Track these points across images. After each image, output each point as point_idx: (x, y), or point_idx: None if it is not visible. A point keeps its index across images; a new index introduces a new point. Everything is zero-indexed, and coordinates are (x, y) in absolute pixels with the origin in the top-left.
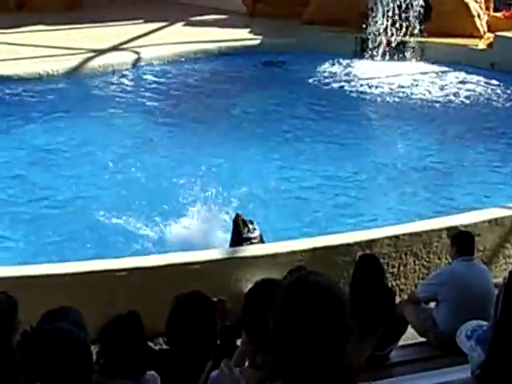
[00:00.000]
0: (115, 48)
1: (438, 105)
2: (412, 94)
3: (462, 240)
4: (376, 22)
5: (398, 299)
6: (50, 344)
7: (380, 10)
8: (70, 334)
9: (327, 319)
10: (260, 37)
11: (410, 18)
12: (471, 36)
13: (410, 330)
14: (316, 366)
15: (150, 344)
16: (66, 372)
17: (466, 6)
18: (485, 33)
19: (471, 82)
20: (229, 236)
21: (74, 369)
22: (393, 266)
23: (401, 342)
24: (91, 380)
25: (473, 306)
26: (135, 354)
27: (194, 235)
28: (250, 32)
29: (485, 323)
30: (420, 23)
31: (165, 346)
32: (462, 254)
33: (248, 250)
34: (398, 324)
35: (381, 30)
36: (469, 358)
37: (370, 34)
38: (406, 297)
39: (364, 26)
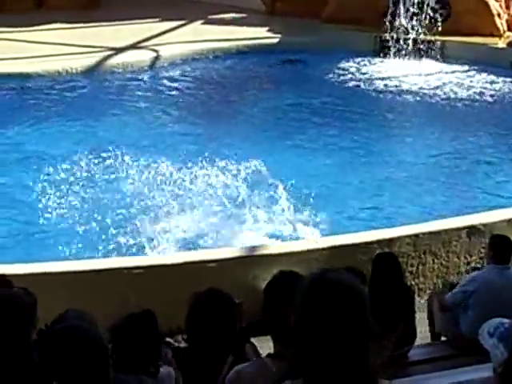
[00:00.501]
0: (133, 46)
1: (457, 103)
2: (431, 92)
3: (498, 246)
4: (395, 20)
5: (417, 298)
6: (67, 342)
7: (400, 8)
8: (85, 332)
9: (347, 316)
10: (279, 35)
11: (430, 17)
12: (491, 35)
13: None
14: (337, 364)
15: (170, 340)
16: (83, 369)
17: (486, 4)
18: (505, 32)
19: (491, 81)
20: None
21: (91, 366)
22: (412, 265)
23: (419, 341)
24: (109, 377)
25: (503, 314)
26: (149, 350)
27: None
28: (269, 30)
29: (507, 320)
30: (440, 22)
31: (183, 344)
32: (497, 261)
33: (266, 248)
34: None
35: (400, 29)
36: (491, 355)
37: (389, 32)
38: (425, 296)
39: (383, 24)
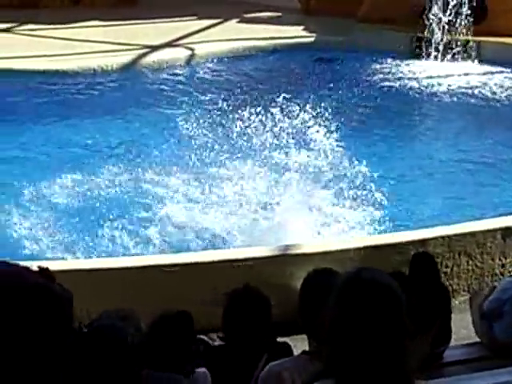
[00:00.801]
0: (169, 44)
1: (494, 104)
2: (467, 93)
3: None
4: (431, 21)
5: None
6: (98, 342)
7: (436, 9)
8: (119, 331)
9: (383, 316)
10: (314, 34)
11: (466, 18)
12: None
13: (463, 331)
14: (371, 365)
15: (204, 338)
16: (114, 369)
17: None
18: None
19: None
20: None
21: (123, 365)
22: (446, 266)
23: (453, 342)
24: (141, 376)
25: None
26: (185, 349)
27: None
28: (304, 29)
29: None
30: (475, 23)
31: (217, 343)
32: None
33: (300, 247)
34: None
35: (436, 29)
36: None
37: (425, 32)
38: (458, 297)
39: (419, 24)
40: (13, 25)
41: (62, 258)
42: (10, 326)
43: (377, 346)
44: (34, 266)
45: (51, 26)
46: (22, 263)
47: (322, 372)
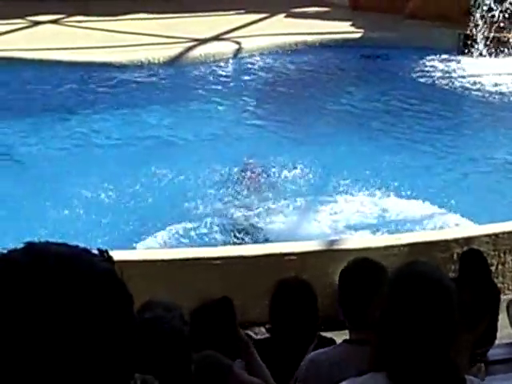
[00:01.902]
0: (216, 38)
1: None
2: None
3: None
4: (480, 17)
5: None
6: (149, 332)
7: (484, 5)
8: (169, 323)
9: (435, 311)
10: (361, 30)
11: None
12: None
13: (506, 331)
14: (423, 359)
15: (248, 332)
16: (164, 362)
17: None
18: None
19: None
20: None
21: (173, 358)
22: (491, 264)
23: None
24: (190, 370)
25: None
26: (224, 338)
27: None
28: (352, 25)
29: None
30: None
31: (259, 336)
32: None
33: (344, 243)
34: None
35: (485, 27)
36: None
37: (473, 29)
38: (504, 296)
39: (467, 21)
40: (61, 16)
41: None
42: (81, 315)
43: (428, 340)
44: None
45: (99, 19)
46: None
47: (372, 365)
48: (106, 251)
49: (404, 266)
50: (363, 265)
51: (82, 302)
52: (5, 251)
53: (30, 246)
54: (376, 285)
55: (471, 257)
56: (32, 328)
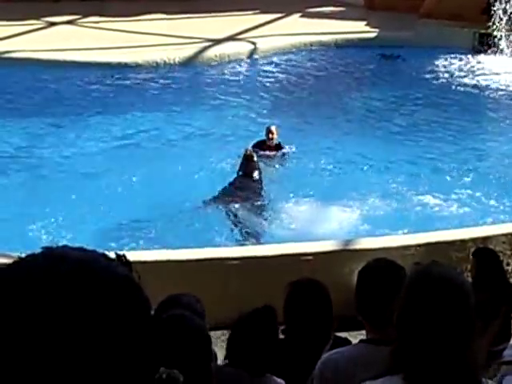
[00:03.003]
0: (231, 38)
1: None
2: None
3: None
4: (496, 17)
5: None
6: (170, 331)
7: (500, 4)
8: (190, 322)
9: (452, 312)
10: (377, 30)
11: None
12: None
13: None
14: (440, 361)
15: None
16: (185, 360)
17: None
18: None
19: None
20: None
21: (194, 356)
22: (508, 264)
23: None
24: (211, 368)
25: None
26: (263, 349)
27: None
28: (367, 25)
29: None
30: None
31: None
32: None
33: (360, 243)
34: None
35: (500, 26)
36: None
37: (488, 28)
38: None
39: (483, 20)
40: (77, 17)
41: None
42: (98, 320)
43: (445, 342)
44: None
45: (114, 19)
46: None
47: (389, 366)
48: (124, 256)
49: (420, 267)
50: (381, 265)
51: (100, 307)
52: (23, 255)
53: (48, 251)
54: (394, 285)
55: (485, 256)
56: (50, 333)
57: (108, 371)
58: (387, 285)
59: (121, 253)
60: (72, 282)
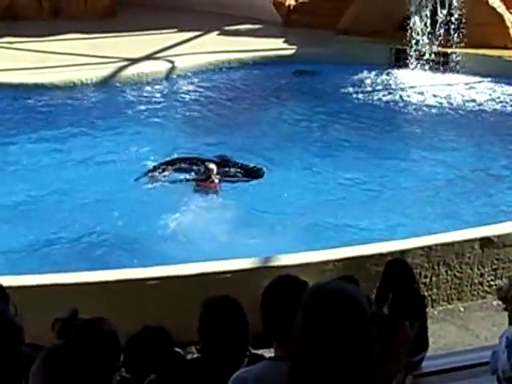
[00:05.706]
0: (149, 57)
1: (472, 115)
2: (447, 104)
3: None
4: (411, 32)
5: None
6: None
7: (416, 21)
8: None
9: (344, 325)
10: (294, 47)
11: (446, 30)
12: (505, 47)
13: (442, 341)
14: (335, 375)
15: (180, 351)
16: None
17: (501, 17)
18: None
19: (507, 94)
20: None
21: (100, 369)
22: (425, 276)
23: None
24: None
25: None
26: (156, 364)
27: None
28: (285, 42)
29: None
30: (455, 35)
31: (195, 355)
32: None
33: (279, 260)
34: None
35: (416, 41)
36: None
37: (405, 44)
38: (438, 307)
39: (399, 36)
40: None
41: None
42: None
43: (340, 357)
44: None
45: (30, 39)
46: None
47: (289, 382)
48: (2, 287)
49: (316, 284)
50: (284, 282)
51: None
52: None
53: None
54: (296, 301)
55: (394, 266)
56: None
57: None
58: (290, 301)
59: None
60: None
